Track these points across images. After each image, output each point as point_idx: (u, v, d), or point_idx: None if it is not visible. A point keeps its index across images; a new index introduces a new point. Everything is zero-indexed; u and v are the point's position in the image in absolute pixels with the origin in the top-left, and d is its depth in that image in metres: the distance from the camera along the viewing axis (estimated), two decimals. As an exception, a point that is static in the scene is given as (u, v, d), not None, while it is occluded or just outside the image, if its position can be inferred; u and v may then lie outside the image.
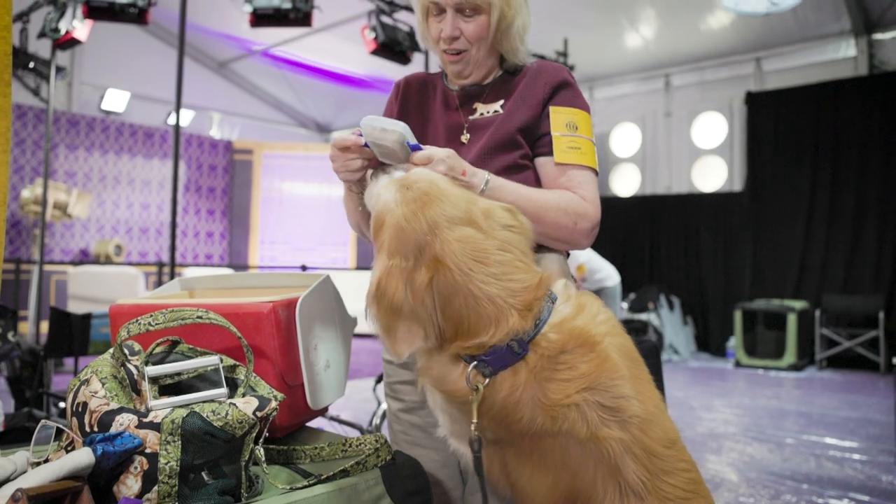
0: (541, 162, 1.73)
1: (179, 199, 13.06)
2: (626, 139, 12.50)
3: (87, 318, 4.06)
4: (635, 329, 10.33)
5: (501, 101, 1.77)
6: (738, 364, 9.82)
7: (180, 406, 1.12)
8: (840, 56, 10.27)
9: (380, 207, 1.33)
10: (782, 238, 10.39)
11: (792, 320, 9.28)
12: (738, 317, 9.84)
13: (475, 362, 1.23)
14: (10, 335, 3.07)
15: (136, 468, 1.06)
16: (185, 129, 14.54)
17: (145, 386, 1.15)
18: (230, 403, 1.14)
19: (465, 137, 1.77)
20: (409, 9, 8.42)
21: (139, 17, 6.74)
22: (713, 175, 11.62)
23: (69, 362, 7.47)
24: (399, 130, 1.47)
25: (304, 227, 15.00)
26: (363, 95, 15.11)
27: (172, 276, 6.09)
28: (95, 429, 1.08)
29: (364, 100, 15.27)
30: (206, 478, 1.10)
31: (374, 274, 1.27)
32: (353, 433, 3.99)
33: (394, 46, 7.98)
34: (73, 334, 3.96)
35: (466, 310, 1.22)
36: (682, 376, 8.99)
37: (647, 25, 10.98)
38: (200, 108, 15.17)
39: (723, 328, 10.92)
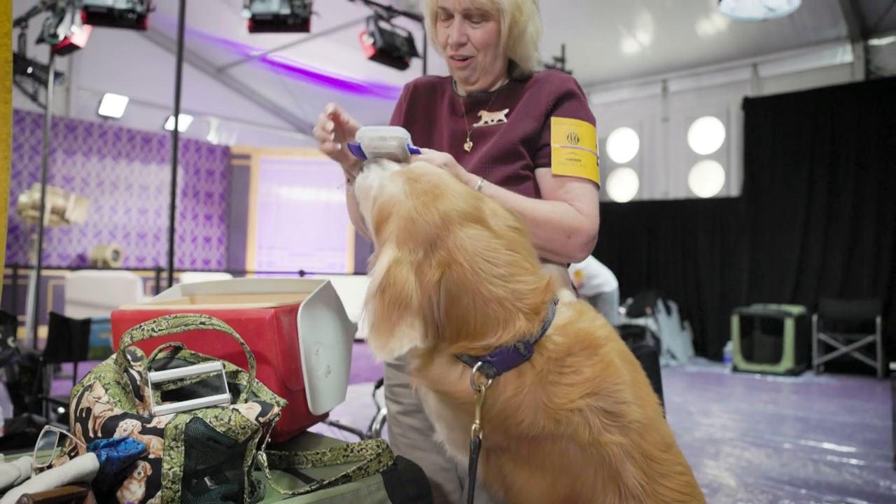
0: (540, 173, 1.73)
1: (177, 204, 13.06)
2: (623, 144, 12.53)
3: (86, 323, 4.06)
4: (633, 334, 10.35)
5: (506, 111, 1.77)
6: (735, 369, 9.83)
7: (183, 412, 1.12)
8: (837, 62, 10.31)
9: (385, 199, 1.30)
10: (779, 243, 10.41)
11: (789, 325, 9.30)
12: (735, 322, 9.85)
13: (480, 363, 1.22)
14: (9, 340, 3.07)
15: (139, 473, 1.07)
16: (183, 134, 14.53)
17: (148, 392, 1.15)
18: (233, 409, 1.14)
19: (468, 145, 1.77)
20: (407, 15, 8.45)
21: (138, 22, 6.73)
22: (710, 180, 11.65)
23: (67, 367, 7.46)
24: (399, 136, 1.47)
25: (301, 232, 14.99)
26: (361, 101, 15.12)
27: (171, 281, 6.08)
28: (99, 434, 1.09)
29: (362, 105, 15.28)
30: (208, 483, 1.10)
31: (380, 265, 1.23)
32: (353, 438, 3.99)
33: (392, 52, 7.98)
34: (73, 340, 3.96)
35: (474, 310, 1.21)
36: (680, 381, 9.00)
37: (644, 31, 11.01)
38: (198, 114, 15.18)
39: (720, 333, 10.93)
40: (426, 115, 1.87)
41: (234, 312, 1.41)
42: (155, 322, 1.22)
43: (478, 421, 1.22)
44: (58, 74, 8.04)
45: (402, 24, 8.39)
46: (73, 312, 8.91)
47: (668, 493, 1.22)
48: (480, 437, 1.23)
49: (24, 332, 9.35)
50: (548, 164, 1.70)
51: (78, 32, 7.03)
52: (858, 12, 9.63)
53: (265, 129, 16.76)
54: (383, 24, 7.99)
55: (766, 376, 9.40)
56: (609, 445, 1.19)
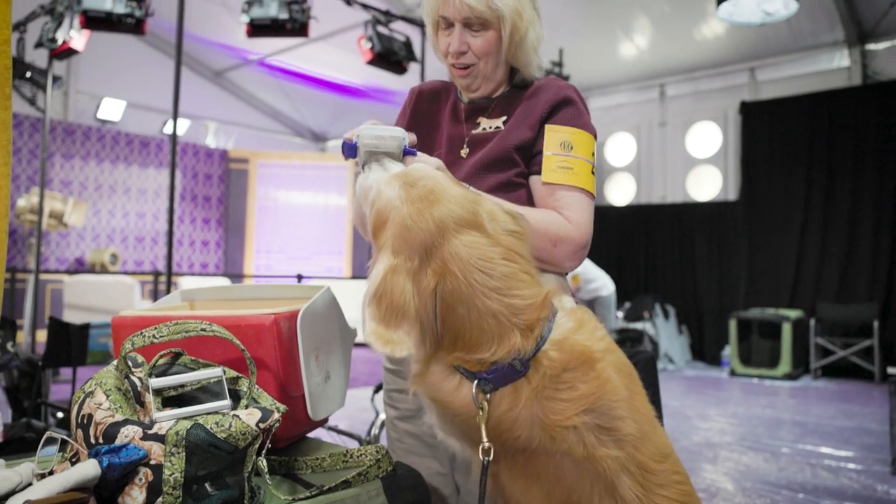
0: (533, 181, 1.73)
1: (175, 207, 13.06)
2: (621, 148, 12.55)
3: (85, 328, 4.06)
4: (631, 338, 10.35)
5: (504, 118, 1.78)
6: (733, 373, 9.84)
7: (184, 418, 1.12)
8: (834, 66, 10.33)
9: (382, 204, 1.29)
10: (777, 247, 10.42)
11: (787, 329, 9.31)
12: (732, 326, 9.87)
13: (477, 381, 1.21)
14: (9, 345, 3.08)
15: (140, 479, 1.07)
16: (181, 137, 14.55)
17: (149, 398, 1.16)
18: (233, 415, 1.15)
19: (464, 151, 1.78)
20: (405, 19, 8.47)
21: (136, 27, 6.74)
22: (708, 184, 11.67)
23: (66, 372, 7.45)
24: (398, 136, 1.49)
25: (299, 236, 15.00)
26: (359, 105, 15.14)
27: (169, 284, 6.09)
28: (101, 440, 1.09)
29: (360, 109, 15.30)
30: (209, 489, 1.11)
31: (376, 273, 1.22)
32: (352, 443, 4.00)
33: (390, 56, 8.00)
34: (72, 344, 3.96)
35: (469, 322, 1.20)
36: (678, 385, 9.00)
37: (641, 35, 11.04)
38: (196, 117, 15.19)
39: (718, 337, 10.94)
40: (429, 119, 1.88)
41: (234, 319, 1.42)
42: (156, 328, 1.23)
43: (485, 441, 1.21)
44: (56, 79, 8.04)
45: (401, 29, 8.41)
46: (71, 316, 8.91)
47: (665, 502, 1.22)
48: (490, 458, 1.22)
49: (22, 337, 9.35)
50: (540, 172, 1.70)
51: (76, 37, 7.03)
52: (855, 17, 9.67)
53: (263, 133, 16.78)
54: (381, 29, 8.00)
55: (763, 380, 9.41)
56: (604, 459, 1.19)
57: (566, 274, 1.79)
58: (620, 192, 12.61)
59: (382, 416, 4.14)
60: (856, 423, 6.68)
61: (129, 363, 1.22)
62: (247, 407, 1.23)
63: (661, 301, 11.09)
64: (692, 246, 11.51)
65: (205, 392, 1.26)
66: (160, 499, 1.07)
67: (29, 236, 11.68)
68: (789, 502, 4.36)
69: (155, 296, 8.98)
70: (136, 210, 13.90)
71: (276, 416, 1.19)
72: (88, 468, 1.02)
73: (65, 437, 1.17)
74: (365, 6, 7.94)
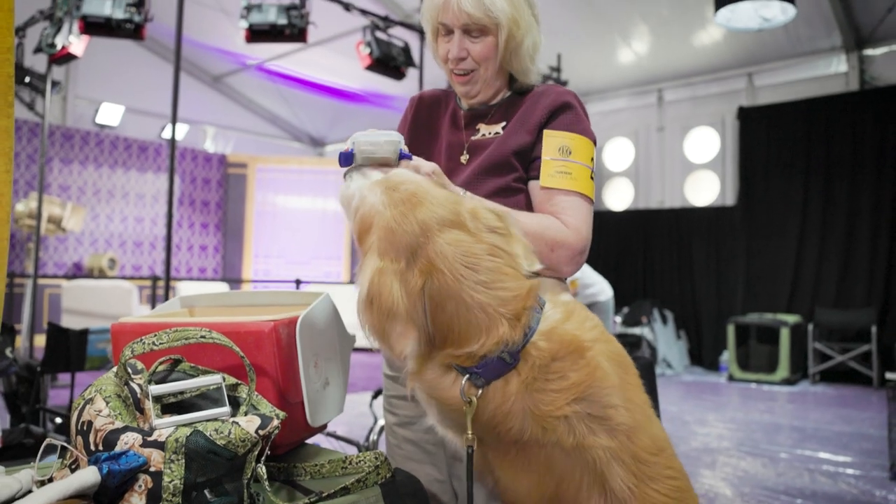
0: (531, 185, 1.73)
1: (174, 212, 13.07)
2: (619, 153, 12.56)
3: (83, 333, 4.06)
4: (629, 343, 10.35)
5: (503, 123, 1.79)
6: (731, 378, 9.84)
7: (184, 425, 1.13)
8: (831, 71, 10.35)
9: (365, 210, 1.31)
10: (775, 252, 10.43)
11: (785, 334, 9.32)
12: (731, 331, 9.87)
13: (468, 375, 1.22)
14: (7, 351, 3.07)
15: (140, 486, 1.07)
16: (180, 142, 14.56)
17: (149, 404, 1.16)
18: (233, 422, 1.15)
19: (464, 157, 1.79)
20: (403, 25, 8.48)
21: (135, 32, 6.75)
22: (706, 189, 11.68)
23: (64, 377, 7.44)
24: (393, 140, 1.49)
25: (297, 241, 15.00)
26: (357, 110, 15.16)
27: (167, 289, 6.08)
28: (101, 447, 1.10)
29: (358, 114, 15.31)
30: (208, 496, 1.11)
31: (364, 277, 1.24)
32: (350, 449, 4.00)
33: (388, 62, 8.02)
34: (70, 350, 3.96)
35: (457, 317, 1.20)
36: (676, 390, 9.00)
37: (639, 41, 11.06)
38: (195, 122, 15.20)
39: (716, 342, 10.94)
40: (428, 127, 1.89)
41: (233, 325, 1.42)
42: (156, 335, 1.23)
43: (469, 433, 1.22)
44: (55, 83, 8.06)
45: (399, 35, 8.43)
46: (69, 321, 8.90)
47: (656, 496, 1.22)
48: (473, 447, 1.23)
49: (20, 342, 9.35)
50: (538, 177, 1.70)
51: (75, 42, 7.04)
52: (853, 22, 9.69)
53: (261, 138, 16.79)
54: (380, 35, 8.02)
55: (761, 385, 9.41)
56: (594, 448, 1.19)
57: (565, 279, 1.79)
58: (618, 197, 12.62)
59: (381, 422, 4.14)
60: (854, 429, 6.68)
61: (129, 370, 1.22)
62: (246, 414, 1.23)
63: (660, 306, 11.10)
64: (690, 251, 11.51)
65: (204, 399, 1.26)
66: (160, 505, 1.07)
67: (27, 241, 11.67)
68: (788, 508, 4.37)
69: (153, 301, 8.98)
70: (134, 215, 13.90)
71: (276, 422, 1.20)
72: (88, 475, 1.02)
73: (64, 444, 1.18)
74: (363, 12, 7.96)
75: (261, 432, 1.16)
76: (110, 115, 13.35)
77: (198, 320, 1.48)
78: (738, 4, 7.08)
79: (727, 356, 10.10)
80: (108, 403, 1.17)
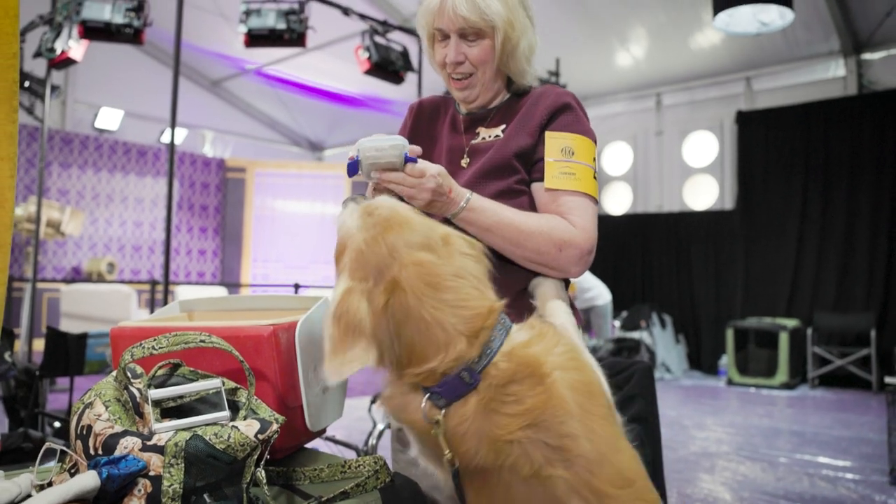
0: (535, 188, 1.74)
1: (172, 216, 13.07)
2: (617, 158, 12.58)
3: (82, 337, 4.06)
4: (627, 348, 10.34)
5: (503, 126, 1.79)
6: (730, 382, 9.84)
7: (183, 429, 1.13)
8: (830, 76, 10.37)
9: (342, 233, 1.34)
10: (773, 256, 10.44)
11: (784, 338, 9.32)
12: (729, 335, 9.87)
13: (429, 395, 1.21)
14: (6, 355, 3.07)
15: (139, 491, 1.07)
16: (179, 146, 14.56)
17: (148, 409, 1.16)
18: (232, 426, 1.15)
19: (465, 161, 1.80)
20: (402, 29, 8.50)
21: (135, 37, 6.77)
22: (704, 193, 11.69)
23: (62, 381, 7.43)
24: (398, 144, 1.50)
25: (296, 245, 14.99)
26: (356, 114, 15.18)
27: (166, 294, 6.08)
28: (100, 452, 1.10)
29: (357, 118, 15.33)
30: (208, 500, 1.11)
31: (335, 294, 1.27)
32: (349, 453, 4.00)
33: (387, 66, 8.03)
34: (69, 354, 3.96)
35: (418, 335, 1.21)
36: (675, 395, 9.00)
37: (638, 45, 11.08)
38: (193, 127, 15.21)
39: (715, 346, 10.94)
40: (428, 133, 1.90)
41: (232, 330, 1.42)
42: (155, 340, 1.23)
43: (446, 452, 1.21)
44: (54, 88, 8.06)
45: (398, 39, 8.44)
46: (68, 325, 8.89)
47: None
48: (456, 465, 1.22)
49: (18, 346, 9.34)
50: (542, 179, 1.70)
51: (75, 47, 7.05)
52: (851, 27, 9.71)
53: (260, 142, 16.80)
54: (378, 39, 8.04)
55: (760, 390, 9.41)
56: (553, 480, 1.15)
57: (569, 282, 1.80)
58: (617, 201, 12.63)
59: (380, 427, 4.14)
60: (853, 433, 6.68)
61: (129, 374, 1.22)
62: (245, 418, 1.23)
63: (658, 310, 11.10)
64: (689, 255, 11.52)
65: (204, 403, 1.26)
66: (159, 510, 1.07)
67: (26, 245, 11.67)
68: (787, 512, 4.36)
69: (152, 305, 8.98)
70: (133, 219, 13.90)
71: (275, 427, 1.20)
72: (87, 479, 1.02)
73: (64, 448, 1.18)
74: (362, 16, 7.97)
75: (260, 437, 1.16)
76: (109, 119, 13.36)
77: (197, 324, 1.49)
78: (736, 9, 7.09)
79: (726, 360, 10.10)
80: (107, 408, 1.17)
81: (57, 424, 4.12)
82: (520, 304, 1.67)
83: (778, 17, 7.28)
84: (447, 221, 1.65)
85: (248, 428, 1.15)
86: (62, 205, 12.15)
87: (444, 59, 1.76)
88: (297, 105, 15.74)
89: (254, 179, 15.13)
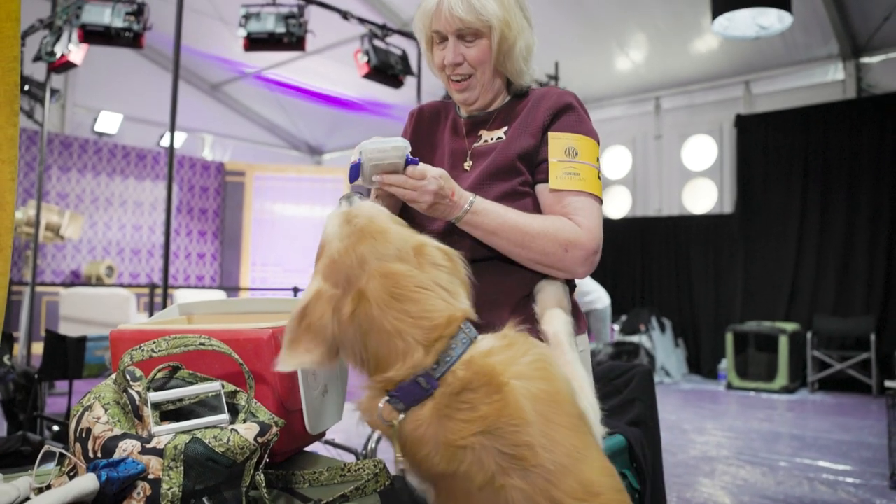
0: (539, 189, 1.73)
1: (171, 220, 13.07)
2: (616, 161, 12.58)
3: (81, 341, 4.06)
4: (627, 352, 10.34)
5: (505, 128, 1.79)
6: (729, 386, 9.83)
7: (182, 432, 1.13)
8: (829, 79, 10.38)
9: (323, 237, 1.39)
10: (773, 260, 10.44)
11: (783, 342, 9.31)
12: (729, 339, 9.86)
13: (387, 398, 1.22)
14: (5, 358, 3.07)
15: (139, 494, 1.07)
16: (178, 150, 14.57)
17: (147, 412, 1.16)
18: (232, 429, 1.15)
19: (467, 164, 1.80)
20: (401, 33, 8.50)
21: (134, 41, 6.78)
22: (703, 197, 11.69)
23: (61, 385, 7.42)
24: (400, 145, 1.50)
25: (295, 249, 14.98)
26: (355, 118, 15.18)
27: (165, 297, 6.08)
28: (99, 455, 1.09)
29: (356, 122, 15.34)
30: (207, 503, 1.11)
31: (306, 293, 1.30)
32: (349, 456, 3.98)
33: (386, 70, 8.03)
34: (68, 357, 3.95)
35: (381, 344, 1.23)
36: (674, 399, 9.00)
37: (636, 49, 11.09)
38: (193, 130, 15.22)
39: (714, 350, 10.93)
40: (429, 139, 1.90)
41: (232, 333, 1.42)
42: (155, 343, 1.23)
43: (398, 454, 1.23)
44: (54, 92, 8.07)
45: (397, 43, 8.44)
46: (67, 329, 8.88)
47: None
48: (404, 468, 1.24)
49: (17, 349, 9.32)
50: (546, 180, 1.70)
51: (75, 51, 7.06)
52: (850, 31, 9.72)
53: (259, 146, 16.81)
54: (378, 43, 8.04)
55: (760, 394, 9.40)
56: (508, 490, 1.14)
57: (574, 285, 1.79)
58: (616, 205, 12.63)
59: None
60: (853, 437, 6.67)
61: (128, 377, 1.22)
62: (245, 421, 1.23)
63: (658, 314, 11.09)
64: (688, 259, 11.51)
65: (203, 406, 1.26)
66: (158, 513, 1.07)
67: (25, 249, 11.66)
68: (787, 516, 4.36)
69: (151, 308, 8.97)
70: (132, 223, 13.89)
71: (275, 430, 1.20)
72: (87, 482, 1.02)
73: (63, 451, 1.17)
74: (361, 20, 7.98)
75: (259, 440, 1.16)
76: (109, 123, 13.37)
77: (196, 327, 1.48)
78: (734, 13, 7.10)
79: (725, 364, 10.09)
80: (106, 410, 1.17)
81: (56, 428, 4.12)
82: (522, 311, 1.67)
83: (777, 20, 7.29)
84: (452, 225, 1.64)
85: (247, 431, 1.15)
86: (61, 208, 12.14)
87: (443, 62, 1.76)
88: (296, 109, 15.75)
89: (253, 183, 15.13)
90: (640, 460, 2.14)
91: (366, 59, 7.95)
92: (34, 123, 8.69)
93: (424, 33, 1.79)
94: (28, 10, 8.27)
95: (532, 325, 1.60)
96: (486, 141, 1.80)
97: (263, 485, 1.20)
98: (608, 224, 12.16)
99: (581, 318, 1.82)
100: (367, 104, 14.18)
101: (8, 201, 1.25)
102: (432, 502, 1.24)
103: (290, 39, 7.30)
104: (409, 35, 8.51)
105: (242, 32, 7.33)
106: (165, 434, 1.11)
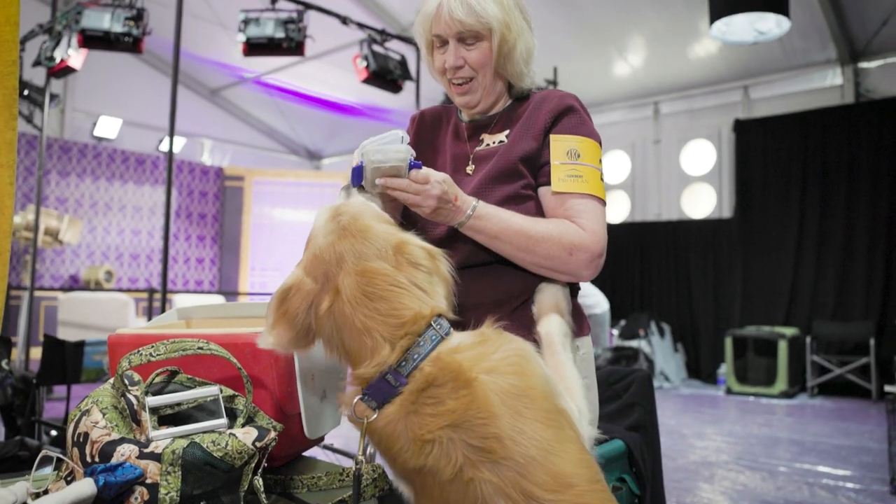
0: (542, 192, 1.73)
1: (170, 225, 13.06)
2: (615, 166, 12.58)
3: (80, 345, 4.05)
4: (626, 356, 10.34)
5: (507, 132, 1.78)
6: (729, 391, 9.82)
7: (181, 436, 1.12)
8: (827, 84, 10.40)
9: (312, 231, 1.41)
10: (772, 265, 10.44)
11: (783, 347, 9.31)
12: (728, 344, 9.86)
13: (361, 396, 1.24)
14: (3, 363, 3.06)
15: (136, 498, 1.07)
16: (177, 155, 14.56)
17: (145, 416, 1.16)
18: (230, 434, 1.14)
19: (470, 168, 1.79)
20: (400, 38, 8.51)
21: (134, 46, 6.78)
22: (702, 202, 11.70)
23: (59, 390, 7.41)
24: (404, 148, 1.50)
25: (294, 253, 14.80)
26: (354, 123, 15.19)
27: (164, 302, 6.07)
28: (97, 459, 1.09)
29: (355, 127, 15.35)
30: (205, 508, 1.10)
31: (288, 278, 1.34)
32: (347, 461, 3.98)
33: (385, 75, 8.05)
34: (67, 362, 3.95)
35: (352, 341, 1.26)
36: (674, 404, 8.99)
37: (635, 54, 11.11)
38: (192, 135, 15.22)
39: (713, 355, 10.93)
40: (431, 143, 1.89)
41: (230, 337, 1.42)
42: (153, 347, 1.23)
43: (359, 454, 1.24)
44: (53, 96, 8.07)
45: (396, 48, 8.45)
46: (66, 334, 8.87)
47: None
48: (361, 467, 1.25)
49: (15, 354, 9.31)
50: (549, 183, 1.69)
51: (74, 55, 7.06)
52: (847, 35, 9.74)
53: (258, 151, 16.81)
54: (377, 48, 8.05)
55: (759, 398, 9.40)
56: (477, 482, 1.14)
57: (577, 289, 1.79)
58: (615, 210, 12.63)
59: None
60: (853, 442, 6.67)
61: (126, 381, 1.22)
62: (243, 425, 1.23)
63: (657, 319, 11.09)
64: (687, 263, 11.51)
65: (201, 410, 1.25)
66: (156, 518, 1.06)
67: (24, 253, 11.66)
68: (786, 521, 4.35)
69: (149, 313, 8.96)
70: (131, 227, 13.89)
71: (273, 434, 1.19)
72: (84, 487, 1.01)
73: (60, 456, 1.17)
74: (360, 25, 7.99)
75: (258, 444, 1.15)
76: (108, 127, 13.37)
77: (195, 332, 1.48)
78: (732, 17, 7.11)
79: (725, 369, 10.08)
80: (104, 415, 1.17)
81: (54, 433, 4.11)
82: (520, 315, 1.67)
83: (775, 25, 7.30)
84: (453, 229, 1.64)
85: (245, 436, 1.15)
86: (60, 213, 12.13)
87: (444, 65, 1.76)
88: (295, 114, 15.76)
89: (252, 188, 15.13)
90: (640, 465, 2.13)
91: (365, 64, 7.96)
92: (33, 128, 8.68)
93: (425, 37, 1.79)
94: (28, 15, 8.27)
95: (530, 326, 1.60)
96: (487, 145, 1.80)
97: (262, 490, 1.20)
98: (607, 228, 12.13)
99: (584, 321, 1.82)
100: (365, 109, 14.18)
101: (6, 205, 1.25)
102: (410, 499, 1.24)
103: (290, 44, 7.31)
104: (407, 40, 8.52)
105: (241, 37, 7.33)
106: (163, 438, 1.11)
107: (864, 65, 10.08)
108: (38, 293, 10.75)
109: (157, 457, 1.08)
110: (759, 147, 10.69)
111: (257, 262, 15.03)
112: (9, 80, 1.26)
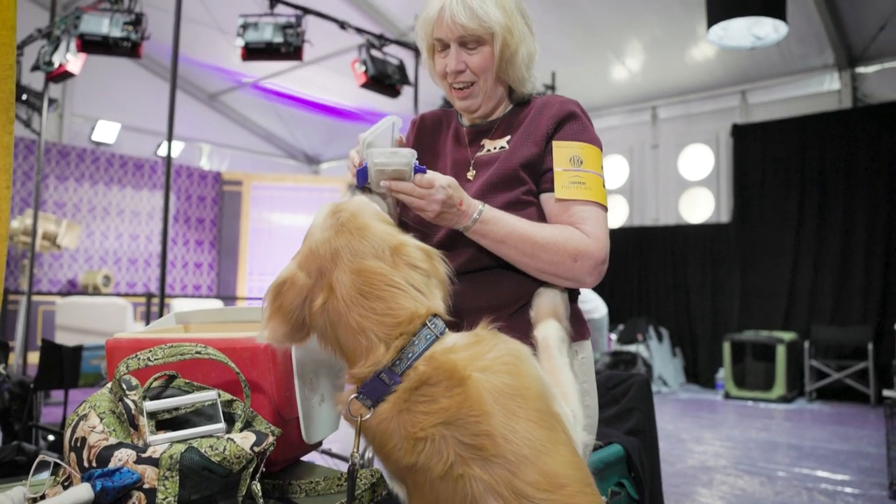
0: (544, 198, 1.73)
1: (168, 229, 13.05)
2: (613, 171, 12.60)
3: (77, 350, 4.04)
4: (624, 361, 10.34)
5: (508, 137, 1.78)
6: (727, 396, 9.82)
7: (178, 441, 1.12)
8: (824, 89, 10.42)
9: (311, 225, 1.42)
10: (770, 269, 10.44)
11: (781, 352, 9.31)
12: (726, 348, 9.86)
13: (356, 395, 1.24)
14: (1, 368, 3.05)
15: (134, 503, 1.06)
16: (175, 160, 14.56)
17: (143, 421, 1.15)
18: (228, 438, 1.14)
19: (470, 173, 1.78)
20: (399, 43, 8.52)
21: (132, 50, 6.77)
22: (700, 206, 11.71)
23: (57, 395, 7.40)
24: (408, 152, 1.50)
25: (292, 258, 14.94)
26: (352, 127, 15.19)
27: (162, 307, 6.06)
28: (94, 464, 1.09)
29: (353, 132, 15.29)
30: (203, 513, 1.10)
31: (283, 271, 1.34)
32: (346, 466, 3.97)
33: (383, 80, 8.05)
34: (64, 366, 3.94)
35: (347, 340, 1.26)
36: (672, 408, 8.98)
37: (633, 59, 11.12)
38: (190, 140, 15.22)
39: (712, 359, 10.92)
40: (431, 147, 1.89)
41: (228, 341, 1.41)
42: (151, 351, 1.22)
43: (354, 449, 1.25)
44: (52, 101, 8.06)
45: (394, 53, 8.46)
46: (64, 338, 8.85)
47: None
48: (356, 461, 1.26)
49: (13, 358, 9.29)
50: (551, 189, 1.69)
51: (73, 60, 7.05)
52: (845, 41, 9.77)
53: (257, 156, 16.80)
54: (375, 53, 8.05)
55: (758, 403, 9.39)
56: (468, 479, 1.13)
57: (577, 294, 1.79)
58: (613, 215, 12.63)
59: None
60: (852, 446, 6.67)
61: (124, 386, 1.22)
62: (241, 430, 1.23)
63: (655, 323, 11.09)
64: (685, 268, 11.52)
65: (199, 415, 1.25)
66: (154, 523, 1.06)
67: (22, 258, 11.64)
68: (785, 526, 4.34)
69: (147, 318, 8.95)
70: (129, 232, 13.87)
71: (271, 439, 1.19)
72: (81, 492, 1.01)
73: (57, 461, 1.17)
74: (359, 30, 7.99)
75: (256, 449, 1.15)
76: (106, 132, 13.37)
77: (193, 336, 1.48)
78: (730, 22, 7.12)
79: (723, 374, 10.08)
80: (102, 419, 1.17)
81: (51, 438, 4.10)
82: (518, 320, 1.67)
83: (772, 30, 7.32)
84: (456, 233, 1.64)
85: (243, 440, 1.15)
86: (58, 217, 12.12)
87: (445, 69, 1.75)
88: (293, 118, 15.76)
89: (250, 192, 15.12)
90: (638, 470, 2.13)
91: (363, 68, 7.96)
92: (32, 133, 8.67)
93: (426, 41, 1.78)
94: (26, 20, 8.29)
95: (528, 331, 1.60)
96: (488, 150, 1.79)
97: (260, 494, 1.19)
98: (605, 233, 12.13)
99: (584, 325, 1.82)
100: (364, 114, 14.19)
101: (3, 209, 1.25)
102: (404, 498, 1.25)
103: (288, 49, 7.31)
104: (406, 45, 8.53)
105: (240, 42, 7.33)
106: (161, 443, 1.11)
107: (861, 70, 10.11)
108: (35, 298, 10.73)
109: (154, 462, 1.07)
110: (757, 152, 10.71)
111: (255, 266, 15.01)
112: (6, 84, 1.26)
